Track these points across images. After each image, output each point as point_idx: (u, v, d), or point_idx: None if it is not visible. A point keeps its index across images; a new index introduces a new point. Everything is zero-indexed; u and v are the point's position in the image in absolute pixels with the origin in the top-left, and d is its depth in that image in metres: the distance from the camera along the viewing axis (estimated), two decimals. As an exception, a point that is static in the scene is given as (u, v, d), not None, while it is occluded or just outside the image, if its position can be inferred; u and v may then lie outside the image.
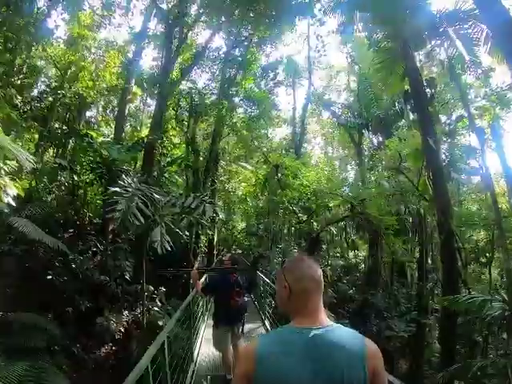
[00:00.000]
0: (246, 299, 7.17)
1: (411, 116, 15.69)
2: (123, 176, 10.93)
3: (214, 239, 17.43)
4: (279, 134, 28.12)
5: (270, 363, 1.77)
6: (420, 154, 13.03)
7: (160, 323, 13.10)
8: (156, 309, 14.48)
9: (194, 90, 18.88)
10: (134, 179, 10.97)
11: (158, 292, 15.84)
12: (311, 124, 32.45)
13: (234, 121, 17.88)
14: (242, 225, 21.62)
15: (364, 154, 24.49)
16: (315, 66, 29.58)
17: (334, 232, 22.77)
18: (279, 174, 17.85)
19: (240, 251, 19.90)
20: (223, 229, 19.58)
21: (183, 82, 19.91)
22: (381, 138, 23.24)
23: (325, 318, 1.99)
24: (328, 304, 19.95)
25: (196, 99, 18.52)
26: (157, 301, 15.53)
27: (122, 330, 13.93)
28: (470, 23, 10.68)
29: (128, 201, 9.57)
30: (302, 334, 1.84)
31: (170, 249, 9.80)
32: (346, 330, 2.01)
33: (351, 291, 22.64)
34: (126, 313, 14.61)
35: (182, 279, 18.74)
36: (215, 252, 17.47)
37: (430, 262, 22.72)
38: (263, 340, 1.91)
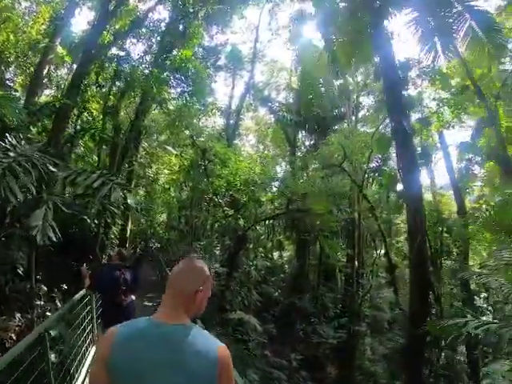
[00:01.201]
0: (133, 298, 6.47)
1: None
2: (7, 135, 8.16)
3: (127, 230, 14.87)
4: (212, 124, 26.10)
5: (123, 350, 1.80)
6: (387, 141, 11.68)
7: (56, 329, 10.44)
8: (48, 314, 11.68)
9: (124, 58, 16.17)
10: (23, 142, 8.32)
11: (56, 291, 13.05)
12: (246, 120, 30.98)
13: (164, 96, 15.49)
14: (163, 217, 19.14)
15: (297, 154, 23.29)
16: (259, 58, 28.26)
17: (260, 231, 21.12)
18: (206, 161, 15.76)
19: (158, 245, 17.70)
20: (142, 220, 17.01)
21: (114, 49, 17.16)
22: (317, 138, 22.14)
23: (185, 317, 1.95)
24: (254, 307, 18.18)
25: (126, 69, 15.85)
26: (57, 302, 12.74)
27: (14, 337, 10.99)
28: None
29: (5, 167, 6.95)
30: (158, 327, 1.86)
31: (61, 238, 7.42)
32: (202, 331, 1.96)
33: (276, 294, 21.02)
34: (18, 315, 11.62)
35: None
36: (128, 245, 14.89)
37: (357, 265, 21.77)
38: (122, 329, 1.89)
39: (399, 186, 19.34)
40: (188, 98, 15.81)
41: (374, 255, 23.96)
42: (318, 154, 18.97)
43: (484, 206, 21.61)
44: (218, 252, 19.42)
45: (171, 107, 16.39)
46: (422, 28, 10.15)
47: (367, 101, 24.67)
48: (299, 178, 19.04)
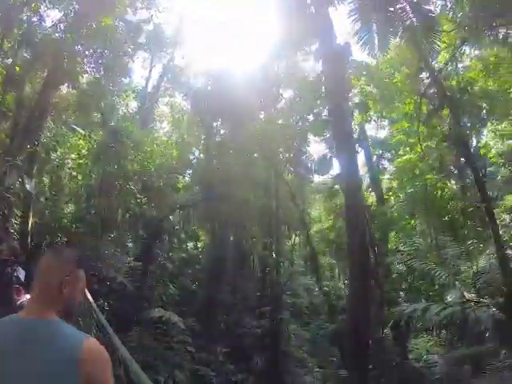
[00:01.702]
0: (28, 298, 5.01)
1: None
2: None
3: (28, 223, 12.61)
4: (125, 106, 23.56)
5: None
6: (322, 125, 11.21)
7: None
8: None
9: (35, 24, 13.55)
10: None
11: None
12: (161, 106, 29.00)
13: (76, 70, 13.30)
14: (70, 207, 16.84)
15: (213, 141, 22.20)
16: (182, 42, 26.40)
17: (175, 222, 19.80)
18: (118, 143, 13.99)
19: (65, 239, 15.36)
20: (46, 211, 14.67)
21: (26, 12, 14.35)
22: (234, 127, 21.24)
23: (48, 311, 1.78)
24: (172, 301, 16.94)
25: (37, 35, 13.30)
26: None
27: None
28: None
29: None
30: (17, 324, 1.75)
31: None
32: (66, 326, 1.77)
33: (194, 286, 19.94)
34: None
35: None
36: (29, 240, 12.66)
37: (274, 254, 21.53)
38: None
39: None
40: (102, 73, 13.94)
41: (292, 243, 24.12)
42: (235, 140, 18.16)
43: (392, 198, 22.92)
44: (130, 245, 17.71)
45: (83, 84, 14.35)
46: (362, 19, 9.92)
47: (287, 94, 24.52)
48: (216, 164, 18.14)
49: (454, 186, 17.38)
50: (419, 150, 15.27)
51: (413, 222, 18.10)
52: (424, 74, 14.42)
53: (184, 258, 20.66)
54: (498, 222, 11.20)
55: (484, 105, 16.13)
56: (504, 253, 9.69)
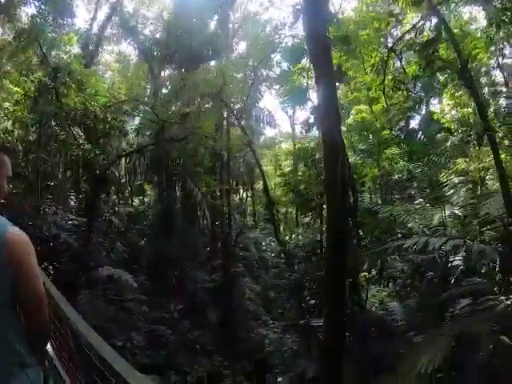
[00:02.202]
0: None
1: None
2: None
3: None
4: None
5: None
6: (300, 51, 10.07)
7: None
8: None
9: None
10: None
11: None
12: (105, 54, 25.78)
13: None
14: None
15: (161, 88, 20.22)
16: None
17: (121, 173, 18.16)
18: (59, 84, 11.86)
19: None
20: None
21: None
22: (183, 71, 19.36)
23: None
24: (121, 259, 15.70)
25: None
26: None
27: None
28: None
29: None
30: None
31: None
32: None
33: (143, 242, 18.76)
34: None
35: None
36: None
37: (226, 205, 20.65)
38: None
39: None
40: (43, 7, 11.65)
41: (245, 195, 23.37)
42: (185, 88, 16.52)
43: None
44: (73, 201, 15.97)
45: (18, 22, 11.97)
46: None
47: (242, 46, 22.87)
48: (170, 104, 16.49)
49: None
50: (381, 105, 14.79)
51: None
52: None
53: (131, 212, 19.24)
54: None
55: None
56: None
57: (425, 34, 13.53)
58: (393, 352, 9.96)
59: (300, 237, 14.69)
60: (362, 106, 17.18)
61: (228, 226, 18.82)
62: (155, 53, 18.08)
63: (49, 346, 3.09)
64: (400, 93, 14.15)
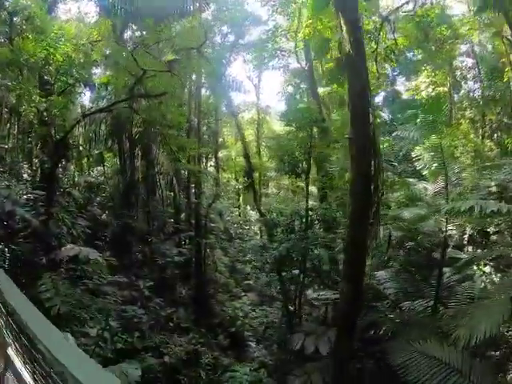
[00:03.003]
0: None
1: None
2: None
3: None
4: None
5: None
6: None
7: None
8: None
9: None
10: None
11: None
12: (60, 14, 22.54)
13: None
14: None
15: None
16: None
17: (79, 140, 16.09)
18: (15, 31, 9.67)
19: None
20: None
21: None
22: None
23: None
24: (82, 235, 13.99)
25: None
26: None
27: None
28: None
29: None
30: None
31: None
32: None
33: (104, 216, 17.04)
34: None
35: None
36: None
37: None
38: None
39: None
40: None
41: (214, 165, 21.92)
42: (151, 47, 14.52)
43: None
44: (27, 174, 13.90)
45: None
46: None
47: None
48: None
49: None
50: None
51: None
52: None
53: (91, 183, 17.35)
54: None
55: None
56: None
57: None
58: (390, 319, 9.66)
59: (284, 206, 13.73)
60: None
61: (198, 195, 17.44)
62: (118, 10, 15.77)
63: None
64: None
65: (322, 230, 12.34)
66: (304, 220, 11.79)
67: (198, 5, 17.85)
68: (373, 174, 7.08)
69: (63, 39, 10.44)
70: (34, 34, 10.30)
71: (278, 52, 19.98)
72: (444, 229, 9.12)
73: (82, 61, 11.25)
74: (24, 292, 8.79)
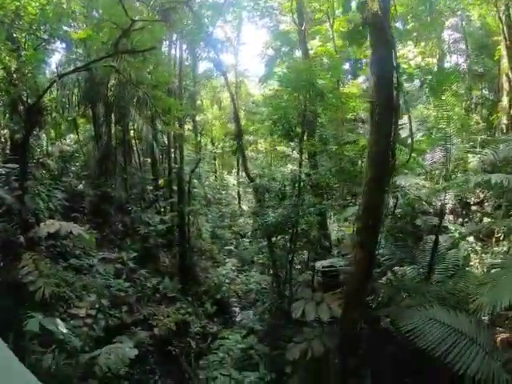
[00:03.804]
0: None
1: None
2: None
3: None
4: None
5: None
6: None
7: None
8: None
9: None
10: None
11: None
12: None
13: None
14: None
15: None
16: None
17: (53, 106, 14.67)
18: None
19: None
20: None
21: None
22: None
23: None
24: (60, 208, 13.01)
25: None
26: None
27: None
28: None
29: None
30: None
31: None
32: None
33: (81, 186, 15.95)
34: None
35: None
36: None
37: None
38: None
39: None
40: None
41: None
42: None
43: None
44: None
45: None
46: None
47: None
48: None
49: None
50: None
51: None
52: None
53: (64, 152, 16.11)
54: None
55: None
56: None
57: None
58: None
59: (277, 172, 13.15)
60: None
61: (180, 160, 16.53)
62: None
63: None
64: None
65: (313, 196, 11.91)
66: (297, 186, 11.29)
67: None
68: (391, 139, 6.66)
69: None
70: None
71: (271, 10, 18.82)
72: (441, 198, 8.94)
73: (57, 13, 9.83)
74: (5, 275, 7.95)
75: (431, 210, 10.74)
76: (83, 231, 10.73)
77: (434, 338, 6.20)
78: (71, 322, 8.60)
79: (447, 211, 13.34)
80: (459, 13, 18.91)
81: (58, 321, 7.82)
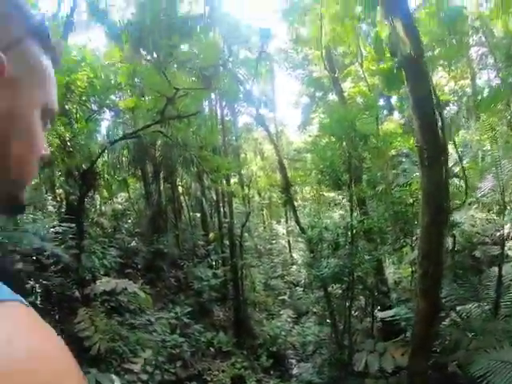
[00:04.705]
0: None
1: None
2: None
3: None
4: None
5: None
6: None
7: None
8: None
9: None
10: None
11: None
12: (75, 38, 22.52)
13: None
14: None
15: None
16: None
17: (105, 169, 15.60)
18: None
19: None
20: None
21: None
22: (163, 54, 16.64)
23: None
24: (114, 265, 13.30)
25: None
26: None
27: None
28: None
29: None
30: None
31: None
32: None
33: (134, 242, 16.38)
34: None
35: None
36: None
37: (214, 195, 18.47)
38: None
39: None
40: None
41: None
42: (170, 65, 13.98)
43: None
44: (52, 206, 13.41)
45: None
46: None
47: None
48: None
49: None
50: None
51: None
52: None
53: (117, 210, 16.78)
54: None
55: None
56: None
57: None
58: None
59: (328, 220, 12.83)
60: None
61: (230, 214, 16.68)
62: (129, 36, 15.43)
63: None
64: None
65: (366, 241, 11.49)
66: (350, 233, 10.95)
67: (202, 24, 17.49)
68: (444, 181, 6.37)
69: (83, 64, 9.88)
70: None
71: (302, 61, 19.49)
72: (501, 229, 8.31)
73: (105, 85, 10.65)
74: (60, 329, 7.98)
75: (488, 240, 10.04)
76: (138, 288, 10.87)
77: (507, 382, 5.65)
78: (125, 376, 8.44)
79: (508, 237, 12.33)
80: (481, 27, 18.29)
81: (114, 377, 7.71)
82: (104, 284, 10.37)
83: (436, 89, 18.69)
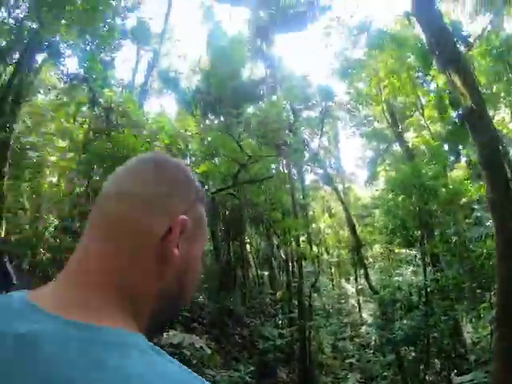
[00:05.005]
0: None
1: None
2: None
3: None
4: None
5: None
6: None
7: None
8: None
9: None
10: None
11: None
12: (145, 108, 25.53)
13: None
14: (52, 218, 13.30)
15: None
16: (167, 39, 23.06)
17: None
18: (112, 126, 10.25)
19: (50, 256, 11.54)
20: (26, 225, 11.09)
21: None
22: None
23: (110, 311, 0.60)
24: (182, 318, 13.70)
25: None
26: None
27: None
28: None
29: None
30: (25, 320, 0.56)
31: None
32: (155, 354, 0.58)
33: (201, 298, 16.77)
34: None
35: None
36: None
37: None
38: None
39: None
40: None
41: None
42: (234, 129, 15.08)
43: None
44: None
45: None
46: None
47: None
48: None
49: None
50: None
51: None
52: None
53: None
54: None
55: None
56: None
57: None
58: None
59: (399, 278, 12.39)
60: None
61: (299, 274, 16.62)
62: (197, 102, 16.96)
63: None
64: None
65: (441, 300, 10.83)
66: (424, 292, 10.43)
67: (265, 88, 18.67)
68: None
69: (160, 131, 11.00)
70: (130, 129, 10.97)
71: (364, 118, 19.84)
72: None
73: (181, 151, 11.70)
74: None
75: None
76: (204, 344, 11.04)
77: None
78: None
79: None
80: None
81: None
82: (171, 337, 10.66)
83: (500, 125, 17.68)
